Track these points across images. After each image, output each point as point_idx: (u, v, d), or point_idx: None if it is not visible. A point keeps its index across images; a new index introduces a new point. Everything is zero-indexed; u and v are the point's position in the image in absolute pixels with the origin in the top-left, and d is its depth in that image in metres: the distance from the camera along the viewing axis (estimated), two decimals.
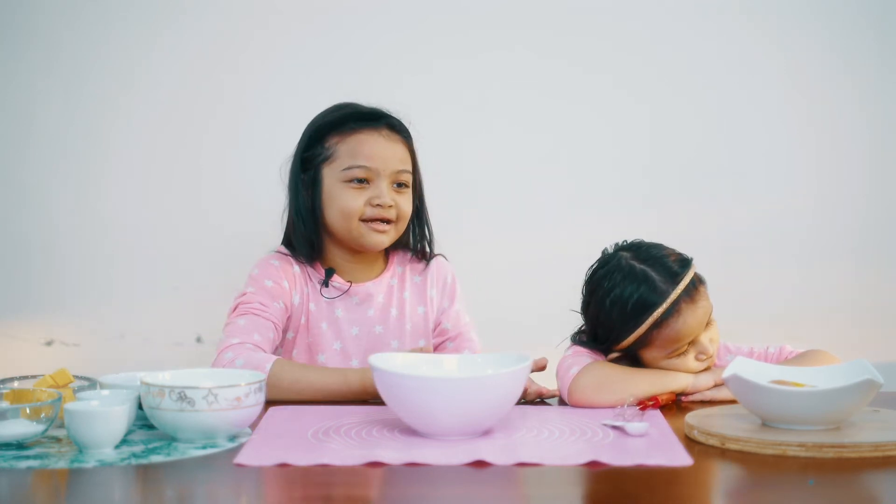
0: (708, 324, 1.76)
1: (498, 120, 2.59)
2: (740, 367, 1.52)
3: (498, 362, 1.60)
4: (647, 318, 1.71)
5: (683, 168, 2.60)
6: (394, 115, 2.01)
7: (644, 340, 1.73)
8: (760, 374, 1.52)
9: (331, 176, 1.96)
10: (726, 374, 1.49)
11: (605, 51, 2.60)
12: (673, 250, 1.80)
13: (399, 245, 2.04)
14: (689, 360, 1.75)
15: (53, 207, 2.62)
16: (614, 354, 1.78)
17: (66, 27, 2.59)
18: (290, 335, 1.98)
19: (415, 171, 2.01)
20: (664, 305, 1.71)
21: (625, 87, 2.60)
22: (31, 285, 2.63)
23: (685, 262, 1.78)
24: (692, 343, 1.74)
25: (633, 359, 1.78)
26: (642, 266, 1.75)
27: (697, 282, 1.76)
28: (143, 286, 2.62)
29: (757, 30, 2.59)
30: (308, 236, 1.97)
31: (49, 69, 2.59)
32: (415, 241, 2.05)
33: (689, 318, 1.72)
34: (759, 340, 2.56)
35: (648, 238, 2.58)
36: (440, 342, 2.03)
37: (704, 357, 1.75)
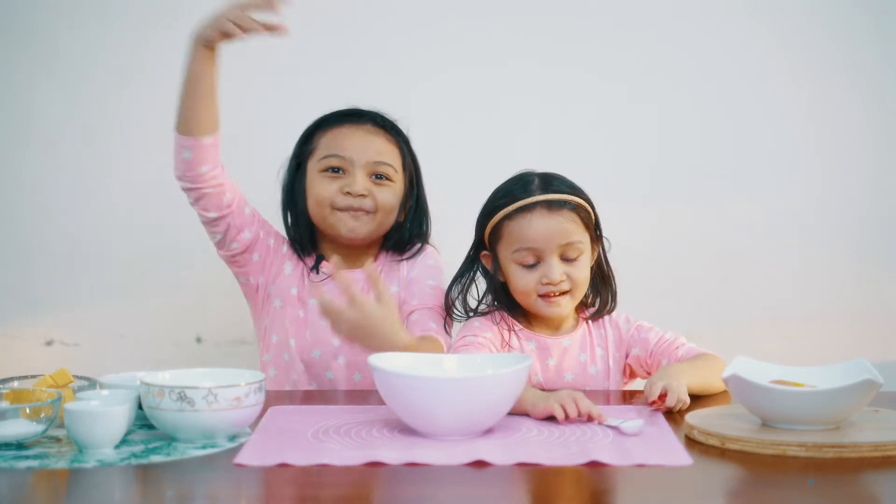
0: (572, 260, 1.80)
1: (502, 123, 2.59)
2: (740, 367, 1.52)
3: (498, 362, 1.60)
4: (507, 205, 1.80)
5: (687, 167, 2.59)
6: (387, 116, 2.04)
7: (498, 230, 1.82)
8: (760, 374, 1.52)
9: (311, 168, 2.02)
10: (726, 373, 1.49)
11: (607, 52, 2.60)
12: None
13: (392, 246, 2.06)
14: (529, 278, 1.80)
15: (53, 207, 2.62)
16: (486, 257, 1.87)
17: (66, 27, 2.59)
18: (277, 303, 2.04)
19: (405, 168, 2.03)
20: (524, 201, 1.79)
21: (628, 88, 2.60)
22: (31, 285, 2.63)
23: (576, 191, 1.83)
24: (540, 263, 1.79)
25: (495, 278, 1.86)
26: (534, 174, 1.84)
27: (574, 209, 1.80)
28: (143, 286, 2.62)
29: (760, 28, 2.59)
30: (298, 231, 2.04)
31: (49, 69, 2.59)
32: (409, 237, 2.05)
33: (539, 223, 1.78)
34: (760, 339, 2.57)
35: (648, 237, 2.59)
36: (407, 314, 1.98)
37: (547, 282, 1.79)
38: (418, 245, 2.07)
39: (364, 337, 1.69)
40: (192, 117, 1.90)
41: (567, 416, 1.55)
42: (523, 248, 1.80)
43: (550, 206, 1.80)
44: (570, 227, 1.80)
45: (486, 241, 1.87)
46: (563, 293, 1.81)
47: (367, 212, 1.98)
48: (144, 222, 2.62)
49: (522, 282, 1.81)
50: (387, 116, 2.05)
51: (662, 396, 1.62)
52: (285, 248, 2.07)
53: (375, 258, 2.07)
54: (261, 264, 2.05)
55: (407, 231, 2.05)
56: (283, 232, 2.10)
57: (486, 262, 1.88)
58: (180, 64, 2.58)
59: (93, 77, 2.60)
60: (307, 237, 2.05)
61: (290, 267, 2.05)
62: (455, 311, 1.92)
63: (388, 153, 2.01)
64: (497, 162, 2.45)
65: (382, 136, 2.02)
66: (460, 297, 1.91)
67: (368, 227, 1.99)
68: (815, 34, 2.58)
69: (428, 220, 2.08)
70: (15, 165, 2.62)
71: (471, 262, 1.92)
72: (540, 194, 1.80)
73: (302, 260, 2.06)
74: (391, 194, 2.00)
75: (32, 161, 2.62)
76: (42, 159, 2.61)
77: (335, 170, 1.99)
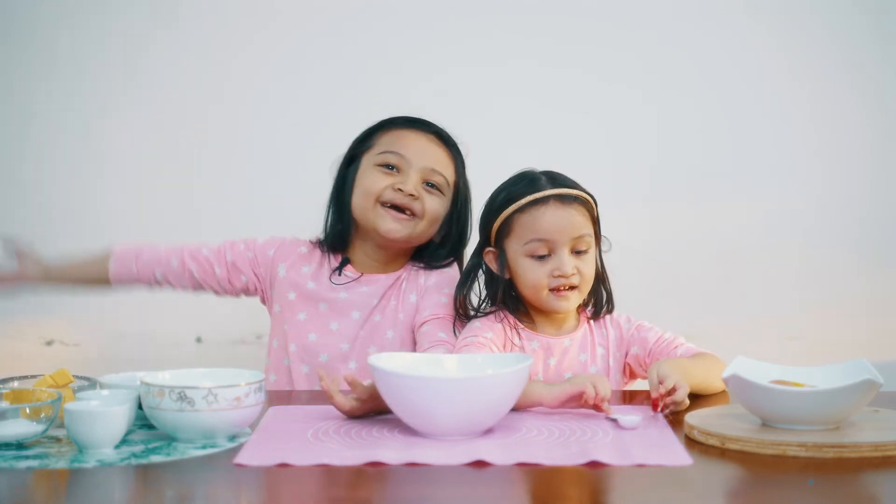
0: (582, 252, 1.81)
1: (504, 125, 2.59)
2: (740, 367, 1.52)
3: (498, 362, 1.60)
4: (518, 199, 1.81)
5: (687, 168, 2.60)
6: (452, 135, 2.04)
7: (508, 224, 1.82)
8: (760, 374, 1.52)
9: (366, 162, 2.00)
10: (726, 373, 1.49)
11: (607, 52, 2.60)
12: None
13: (420, 260, 2.03)
14: (541, 270, 1.80)
15: (53, 207, 2.62)
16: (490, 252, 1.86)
17: (66, 27, 2.59)
18: (277, 308, 2.03)
19: (457, 188, 2.01)
20: (537, 194, 1.80)
21: (628, 88, 2.60)
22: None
23: (581, 188, 1.85)
24: (551, 257, 1.80)
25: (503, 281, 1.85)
26: (537, 172, 1.86)
27: (583, 203, 1.82)
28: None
29: (760, 28, 2.59)
30: (336, 226, 2.02)
31: (49, 69, 2.59)
32: (432, 258, 2.02)
33: (551, 215, 1.79)
34: (761, 339, 2.58)
35: (648, 237, 2.59)
36: (419, 324, 1.97)
37: (559, 275, 1.79)
38: (445, 261, 2.04)
39: (378, 407, 1.63)
40: (94, 286, 2.13)
41: (596, 395, 1.58)
42: (536, 240, 1.80)
43: (563, 199, 1.82)
44: (580, 220, 1.82)
45: (493, 238, 1.87)
46: (573, 287, 1.82)
47: (412, 215, 1.96)
48: (144, 222, 2.62)
49: (533, 275, 1.81)
50: (451, 134, 2.04)
51: (661, 398, 1.61)
52: (272, 252, 2.04)
53: (402, 266, 2.03)
54: (254, 280, 2.04)
55: (440, 253, 2.02)
56: (282, 236, 2.08)
57: (490, 261, 1.88)
58: (180, 63, 2.60)
59: (92, 77, 2.61)
60: (344, 234, 2.01)
61: (283, 269, 2.03)
62: (461, 313, 1.92)
63: (444, 165, 1.99)
64: (497, 162, 2.45)
65: (443, 148, 2.01)
66: (464, 297, 1.91)
67: (408, 230, 1.96)
68: (815, 34, 2.58)
69: (464, 246, 2.05)
70: (15, 165, 2.62)
71: (475, 263, 1.92)
72: (551, 188, 1.82)
73: (317, 260, 2.03)
74: (439, 204, 1.98)
75: (32, 161, 2.62)
76: (42, 159, 2.61)
77: (390, 167, 1.97)
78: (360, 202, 1.98)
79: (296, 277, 2.02)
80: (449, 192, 2.00)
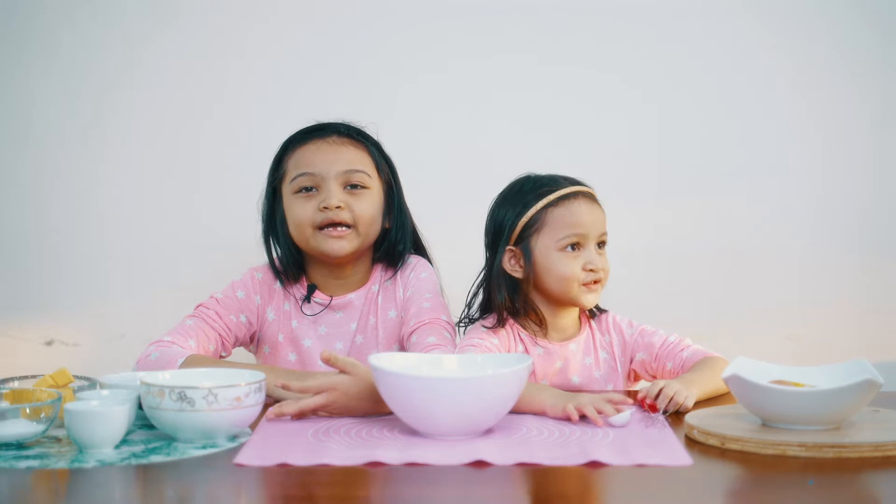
0: (602, 250, 1.84)
1: (504, 122, 2.59)
2: (740, 367, 1.52)
3: (498, 362, 1.60)
4: (549, 194, 1.82)
5: (688, 168, 2.59)
6: (353, 124, 2.00)
7: (539, 219, 1.81)
8: (760, 373, 1.52)
9: (286, 193, 1.97)
10: (726, 373, 1.49)
11: (609, 51, 2.60)
12: None
13: (382, 257, 2.02)
14: (575, 262, 1.80)
15: (53, 207, 2.62)
16: (508, 251, 1.84)
17: (65, 27, 2.59)
18: (266, 349, 2.02)
19: (380, 172, 1.98)
20: (569, 188, 1.83)
21: (629, 88, 2.60)
22: (30, 285, 2.63)
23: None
24: (581, 246, 1.81)
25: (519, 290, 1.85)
26: (551, 174, 1.88)
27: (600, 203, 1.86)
28: (142, 286, 2.62)
29: (761, 28, 2.59)
30: (287, 258, 1.99)
31: (49, 69, 2.59)
32: (396, 242, 2.01)
33: (584, 209, 1.82)
34: (761, 339, 2.57)
35: (651, 238, 2.59)
36: (407, 335, 1.96)
37: (591, 269, 1.81)
38: (407, 255, 2.02)
39: (355, 407, 1.64)
40: None
41: (602, 416, 1.57)
42: (573, 234, 1.81)
43: (588, 196, 1.86)
44: (603, 218, 1.86)
45: (516, 236, 1.85)
46: (597, 282, 1.83)
47: (348, 226, 1.92)
48: (144, 222, 2.62)
49: (568, 268, 1.80)
50: (352, 124, 2.00)
51: (651, 403, 1.62)
52: (258, 299, 2.00)
53: (368, 276, 2.02)
54: (251, 330, 2.02)
55: (394, 237, 2.00)
56: (255, 274, 2.05)
57: (509, 259, 1.85)
58: (180, 64, 2.60)
59: (92, 77, 2.60)
60: (293, 264, 1.99)
61: (272, 312, 2.01)
62: (467, 314, 1.91)
63: (358, 160, 1.96)
64: (497, 161, 2.45)
65: (350, 144, 1.97)
66: (473, 297, 1.91)
67: (353, 243, 1.93)
68: (815, 34, 2.58)
69: (409, 223, 2.03)
70: (15, 165, 2.62)
71: (490, 265, 1.90)
72: (572, 186, 1.85)
73: (291, 294, 2.00)
74: (368, 203, 1.95)
75: (32, 161, 2.62)
76: (42, 159, 2.61)
77: (308, 189, 1.93)
78: (298, 234, 1.95)
79: (282, 318, 2.00)
80: (375, 182, 1.97)
